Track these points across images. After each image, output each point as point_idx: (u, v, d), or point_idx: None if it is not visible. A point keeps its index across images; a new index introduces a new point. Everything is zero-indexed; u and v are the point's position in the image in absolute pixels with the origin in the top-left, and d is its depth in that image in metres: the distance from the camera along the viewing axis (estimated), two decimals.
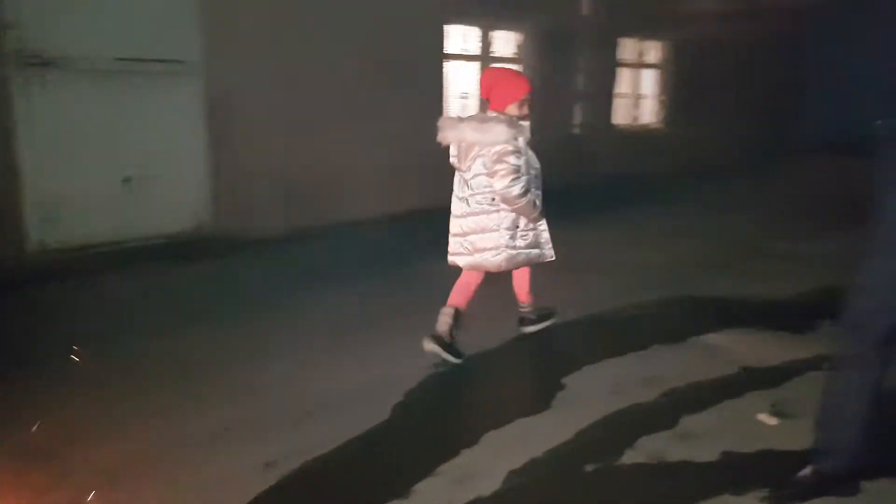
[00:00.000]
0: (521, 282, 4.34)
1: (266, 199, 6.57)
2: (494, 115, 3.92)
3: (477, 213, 3.95)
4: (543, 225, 4.11)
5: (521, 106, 3.98)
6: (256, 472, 2.82)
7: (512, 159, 3.78)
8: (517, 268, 4.15)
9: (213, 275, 5.76)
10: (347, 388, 3.57)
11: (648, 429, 3.16)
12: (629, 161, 10.07)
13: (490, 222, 3.93)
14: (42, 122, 5.66)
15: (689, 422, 3.23)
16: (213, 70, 6.24)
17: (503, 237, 3.93)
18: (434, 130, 4.02)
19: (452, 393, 3.68)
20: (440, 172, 4.76)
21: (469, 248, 3.98)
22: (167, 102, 6.19)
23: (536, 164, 4.05)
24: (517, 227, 3.97)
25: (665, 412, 3.32)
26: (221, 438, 3.10)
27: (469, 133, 3.85)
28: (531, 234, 4.04)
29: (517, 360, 4.13)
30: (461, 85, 8.56)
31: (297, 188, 6.76)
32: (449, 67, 8.37)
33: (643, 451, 2.99)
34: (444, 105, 8.23)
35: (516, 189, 3.80)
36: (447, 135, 3.96)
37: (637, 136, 10.98)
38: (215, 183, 6.43)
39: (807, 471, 2.72)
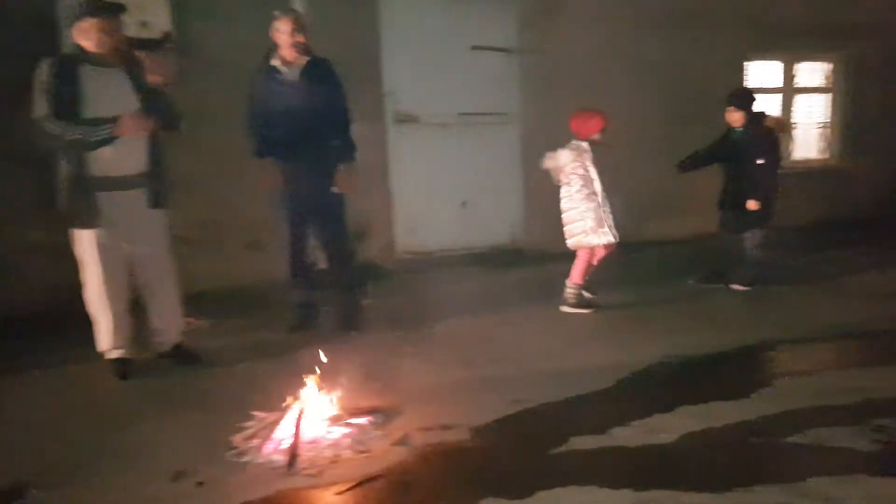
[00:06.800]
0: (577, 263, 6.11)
1: None
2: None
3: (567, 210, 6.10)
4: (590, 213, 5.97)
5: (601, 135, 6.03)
6: None
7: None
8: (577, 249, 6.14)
9: (521, 279, 7.46)
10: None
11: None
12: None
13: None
14: (406, 161, 7.83)
15: None
16: (528, 119, 8.19)
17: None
18: None
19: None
20: None
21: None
22: (493, 145, 8.16)
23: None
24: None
25: None
26: None
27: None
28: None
29: None
30: None
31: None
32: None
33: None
34: None
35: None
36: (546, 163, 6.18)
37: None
38: (527, 206, 8.35)
39: None
